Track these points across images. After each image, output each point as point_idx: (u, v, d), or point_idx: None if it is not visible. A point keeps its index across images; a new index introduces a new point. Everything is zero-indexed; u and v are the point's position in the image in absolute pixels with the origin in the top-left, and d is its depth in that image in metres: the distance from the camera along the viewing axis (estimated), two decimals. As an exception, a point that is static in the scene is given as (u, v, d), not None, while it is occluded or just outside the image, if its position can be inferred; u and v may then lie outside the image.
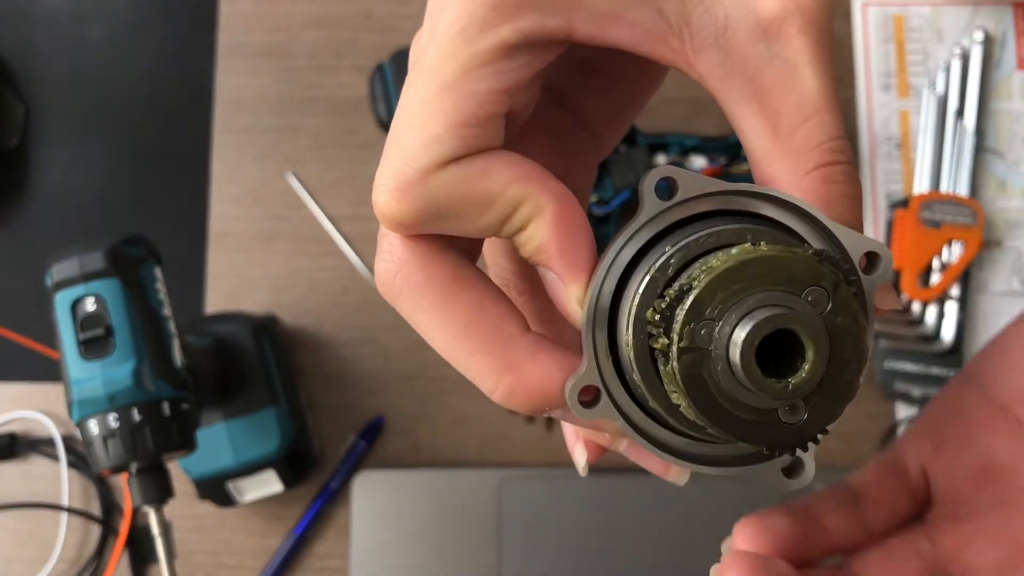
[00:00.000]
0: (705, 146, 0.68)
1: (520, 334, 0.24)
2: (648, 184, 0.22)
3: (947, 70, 0.73)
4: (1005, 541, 0.31)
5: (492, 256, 0.25)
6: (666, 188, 0.22)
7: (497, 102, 0.23)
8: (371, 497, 0.68)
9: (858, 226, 0.23)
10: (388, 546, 0.68)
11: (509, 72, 0.23)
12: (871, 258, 0.23)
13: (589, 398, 0.23)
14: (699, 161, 0.68)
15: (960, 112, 0.73)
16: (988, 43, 0.74)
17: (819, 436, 0.22)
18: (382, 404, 0.71)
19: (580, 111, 0.28)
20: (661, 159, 0.69)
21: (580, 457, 0.24)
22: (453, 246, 0.25)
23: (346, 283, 0.73)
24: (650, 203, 0.22)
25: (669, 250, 0.22)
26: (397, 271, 0.24)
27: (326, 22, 0.76)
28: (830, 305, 0.21)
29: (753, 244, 0.21)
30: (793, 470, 0.24)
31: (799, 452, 0.24)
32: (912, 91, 0.74)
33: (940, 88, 0.74)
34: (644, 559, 0.67)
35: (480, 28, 0.22)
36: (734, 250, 0.21)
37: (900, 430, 0.71)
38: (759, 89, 0.22)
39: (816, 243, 0.23)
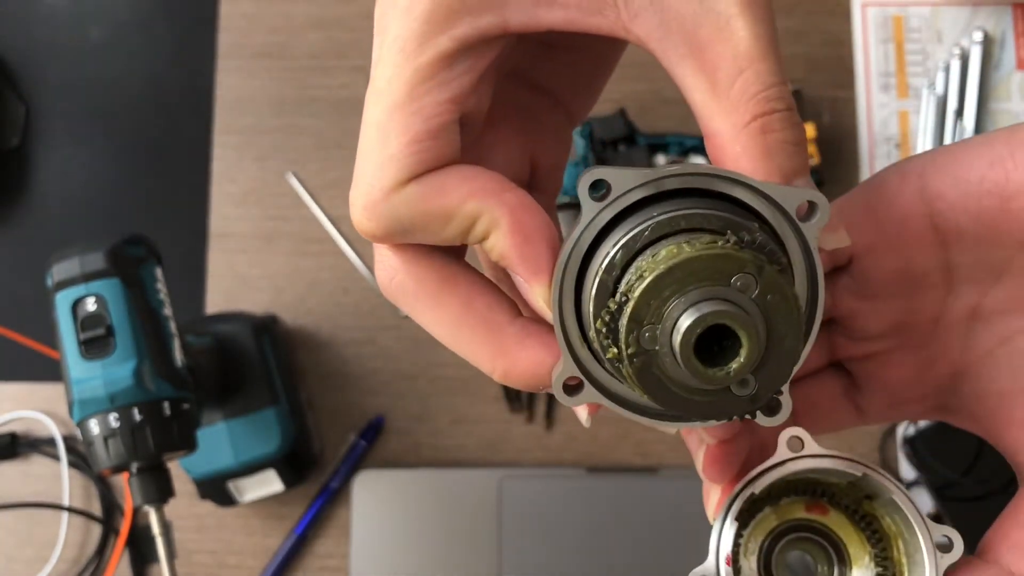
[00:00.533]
0: (704, 146, 0.69)
1: (508, 322, 0.25)
2: (582, 188, 0.24)
3: (946, 70, 0.73)
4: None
5: (480, 251, 0.26)
6: (600, 188, 0.24)
7: (445, 112, 0.24)
8: (371, 496, 0.68)
9: (802, 171, 0.24)
10: (388, 545, 0.68)
11: (453, 80, 0.24)
12: (810, 206, 0.24)
13: (573, 384, 0.25)
14: (699, 161, 0.68)
15: (959, 112, 0.73)
16: (987, 43, 0.74)
17: (777, 395, 0.24)
18: (382, 404, 0.71)
19: (547, 87, 0.29)
20: (661, 159, 0.69)
21: (582, 412, 0.25)
22: (437, 249, 0.26)
23: (346, 283, 0.73)
24: (587, 206, 0.24)
25: (611, 250, 0.24)
26: (391, 278, 0.26)
27: (326, 23, 0.76)
28: (758, 288, 0.22)
29: (679, 244, 0.23)
30: (772, 409, 0.25)
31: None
32: (911, 91, 0.75)
33: (939, 88, 0.74)
34: (644, 558, 0.67)
35: (418, 43, 0.23)
36: (662, 252, 0.23)
37: (900, 430, 0.71)
38: (697, 46, 0.23)
39: (756, 202, 0.24)
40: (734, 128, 0.23)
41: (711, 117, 0.23)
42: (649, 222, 0.23)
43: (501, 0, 0.23)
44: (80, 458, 0.70)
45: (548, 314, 0.24)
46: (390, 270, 0.26)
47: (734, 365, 0.22)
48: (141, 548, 0.69)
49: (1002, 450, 0.27)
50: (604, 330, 0.23)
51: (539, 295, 0.24)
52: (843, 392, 0.31)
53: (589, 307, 0.24)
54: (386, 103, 0.24)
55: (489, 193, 0.24)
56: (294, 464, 0.65)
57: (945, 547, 0.27)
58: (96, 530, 0.70)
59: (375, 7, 0.25)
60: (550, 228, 0.24)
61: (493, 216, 0.24)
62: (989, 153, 0.26)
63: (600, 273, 0.24)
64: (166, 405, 0.49)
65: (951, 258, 0.28)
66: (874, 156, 0.74)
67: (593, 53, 0.29)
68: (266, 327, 0.66)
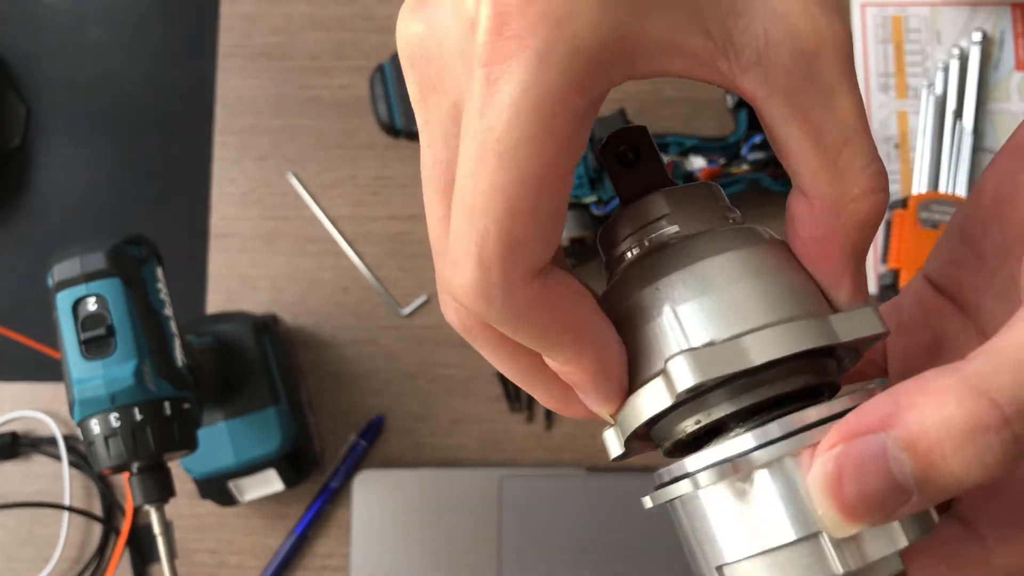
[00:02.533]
0: (704, 146, 0.69)
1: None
2: (675, 381, 0.22)
3: (945, 71, 0.74)
4: None
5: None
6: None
7: (569, 184, 0.22)
8: (372, 496, 0.68)
9: (867, 252, 0.24)
10: (389, 545, 0.68)
11: (581, 145, 0.21)
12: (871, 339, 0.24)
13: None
14: (698, 161, 0.68)
15: (959, 112, 0.73)
16: (986, 44, 0.74)
17: None
18: (382, 404, 0.71)
19: None
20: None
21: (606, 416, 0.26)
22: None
23: (347, 283, 0.73)
24: (668, 394, 0.23)
25: (689, 427, 0.24)
26: (469, 329, 0.25)
27: (327, 23, 0.76)
28: None
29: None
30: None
31: None
32: (910, 91, 0.75)
33: (939, 89, 0.74)
34: (644, 558, 0.67)
35: (557, 103, 0.20)
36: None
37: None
38: (801, 109, 0.22)
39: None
40: (842, 197, 0.22)
41: (818, 182, 0.23)
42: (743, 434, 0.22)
43: (633, 49, 0.21)
44: (81, 458, 0.70)
45: (604, 415, 0.25)
46: (466, 324, 0.25)
47: None
48: (142, 548, 0.69)
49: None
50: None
51: (602, 412, 0.25)
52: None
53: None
54: (515, 170, 0.20)
55: (587, 327, 0.23)
56: (295, 464, 0.65)
57: None
58: (97, 530, 0.70)
59: (447, 22, 0.22)
60: (624, 363, 0.24)
61: (584, 348, 0.23)
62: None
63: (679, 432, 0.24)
64: (167, 405, 0.50)
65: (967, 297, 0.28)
66: (873, 156, 0.74)
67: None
68: (267, 327, 0.67)
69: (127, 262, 0.51)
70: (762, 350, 0.21)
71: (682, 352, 0.21)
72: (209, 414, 0.63)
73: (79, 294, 0.50)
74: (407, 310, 0.72)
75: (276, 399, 0.64)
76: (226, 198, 0.74)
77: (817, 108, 0.22)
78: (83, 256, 0.50)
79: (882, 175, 0.22)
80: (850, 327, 0.23)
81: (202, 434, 0.56)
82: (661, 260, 0.23)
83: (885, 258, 0.72)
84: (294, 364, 0.70)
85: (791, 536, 0.21)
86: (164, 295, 0.53)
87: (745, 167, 0.67)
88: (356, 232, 0.73)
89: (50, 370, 0.72)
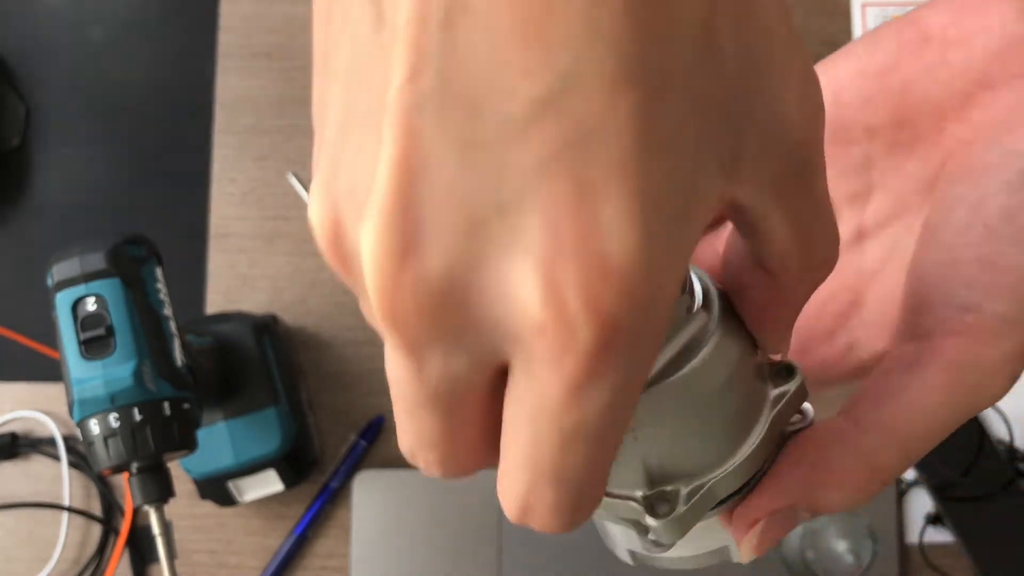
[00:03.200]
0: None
1: None
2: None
3: (946, 70, 0.74)
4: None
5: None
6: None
7: None
8: (371, 496, 0.68)
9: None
10: (389, 545, 0.68)
11: None
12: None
13: None
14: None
15: (959, 112, 0.73)
16: (987, 43, 0.74)
17: None
18: (382, 404, 0.71)
19: None
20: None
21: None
22: None
23: (346, 283, 0.73)
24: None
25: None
26: None
27: (326, 23, 0.76)
28: None
29: None
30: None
31: None
32: (911, 91, 0.75)
33: (939, 88, 0.74)
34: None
35: (644, 373, 0.18)
36: None
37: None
38: (784, 199, 0.21)
39: None
40: (805, 271, 0.22)
41: (787, 259, 0.21)
42: None
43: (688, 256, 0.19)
44: (80, 458, 0.70)
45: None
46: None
47: None
48: (141, 548, 0.69)
49: (902, 317, 0.26)
50: None
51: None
52: None
53: None
54: (603, 458, 0.19)
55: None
56: (294, 464, 0.65)
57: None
58: (96, 530, 0.70)
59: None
60: None
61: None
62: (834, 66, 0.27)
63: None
64: (166, 405, 0.49)
65: None
66: (874, 156, 0.74)
67: None
68: (266, 327, 0.66)
69: (127, 262, 0.51)
70: (723, 491, 0.23)
71: (656, 522, 0.22)
72: (209, 414, 0.63)
73: (79, 294, 0.49)
74: (407, 310, 0.72)
75: (276, 399, 0.64)
76: (226, 198, 0.74)
77: (800, 197, 0.20)
78: (83, 256, 0.50)
79: (836, 241, 0.22)
80: (784, 414, 0.24)
81: (202, 434, 0.56)
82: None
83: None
84: (294, 364, 0.70)
85: (710, 547, 0.25)
86: (164, 295, 0.53)
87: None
88: (356, 232, 0.73)
89: (50, 370, 0.72)
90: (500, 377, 0.17)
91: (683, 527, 0.22)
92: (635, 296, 0.15)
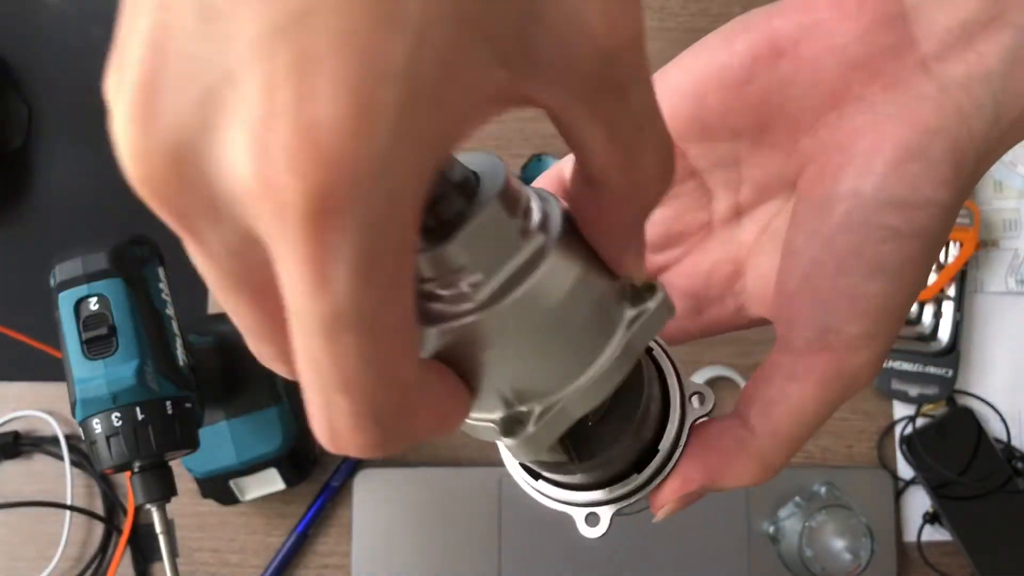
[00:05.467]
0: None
1: None
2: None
3: (944, 71, 0.74)
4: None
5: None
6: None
7: (413, 302, 0.21)
8: (372, 495, 0.69)
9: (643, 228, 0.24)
10: (389, 543, 0.68)
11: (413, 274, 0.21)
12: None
13: None
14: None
15: (957, 113, 0.73)
16: (985, 44, 0.74)
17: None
18: (383, 403, 0.71)
19: None
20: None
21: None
22: None
23: (347, 283, 0.73)
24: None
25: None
26: None
27: (327, 24, 0.76)
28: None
29: None
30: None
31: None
32: (909, 92, 0.75)
33: (937, 89, 0.74)
34: (642, 557, 0.68)
35: (399, 255, 0.18)
36: None
37: (897, 429, 0.71)
38: (596, 109, 0.21)
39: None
40: (632, 187, 0.22)
41: (606, 173, 0.22)
42: None
43: (447, 145, 0.19)
44: (83, 457, 0.70)
45: None
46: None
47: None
48: (143, 546, 0.69)
49: (777, 327, 0.29)
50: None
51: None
52: None
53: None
54: (380, 339, 0.18)
55: (458, 397, 0.24)
56: (296, 463, 0.65)
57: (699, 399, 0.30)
58: (98, 529, 0.70)
59: None
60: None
61: (462, 414, 0.24)
62: (709, 47, 0.29)
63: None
64: (168, 404, 0.50)
65: (696, 164, 0.30)
66: (872, 157, 0.74)
67: None
68: (267, 327, 0.67)
69: (129, 262, 0.51)
70: (577, 410, 0.24)
71: (511, 440, 0.24)
72: (211, 413, 0.63)
73: (81, 294, 0.50)
74: (407, 310, 0.72)
75: (277, 398, 0.64)
76: (227, 198, 0.74)
77: (612, 103, 0.20)
78: (85, 256, 0.50)
79: (668, 162, 0.22)
80: (643, 334, 0.24)
81: (204, 433, 0.57)
82: (475, 327, 0.22)
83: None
84: (295, 364, 0.70)
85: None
86: (166, 295, 0.53)
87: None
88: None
89: (52, 370, 0.72)
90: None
91: (537, 445, 0.23)
92: (346, 164, 0.15)
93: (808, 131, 0.28)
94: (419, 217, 0.17)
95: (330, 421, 0.19)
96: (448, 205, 0.21)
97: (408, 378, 0.19)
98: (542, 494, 0.32)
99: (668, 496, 0.30)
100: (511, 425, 0.23)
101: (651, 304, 0.24)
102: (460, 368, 0.22)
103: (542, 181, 0.32)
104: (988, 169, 0.27)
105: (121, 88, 0.16)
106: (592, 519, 0.31)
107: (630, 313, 0.24)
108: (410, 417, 0.20)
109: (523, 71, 0.18)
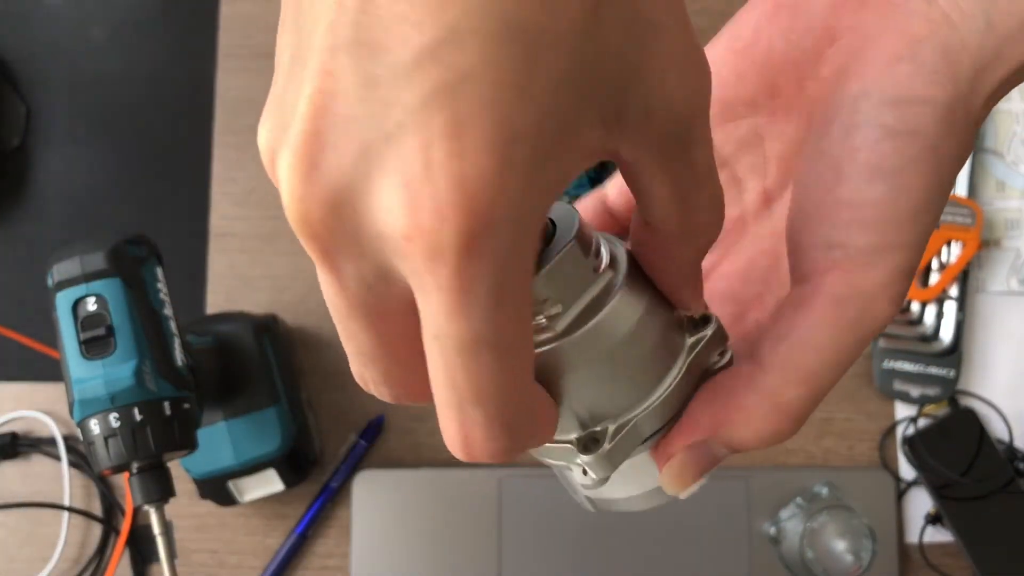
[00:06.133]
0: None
1: None
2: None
3: (946, 70, 0.74)
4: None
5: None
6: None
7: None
8: (372, 496, 0.68)
9: (699, 268, 0.27)
10: (389, 545, 0.68)
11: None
12: None
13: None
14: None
15: (959, 112, 0.73)
16: (987, 43, 0.74)
17: None
18: (382, 404, 0.71)
19: None
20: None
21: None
22: None
23: (346, 283, 0.73)
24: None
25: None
26: None
27: (327, 23, 0.76)
28: None
29: None
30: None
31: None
32: (911, 91, 0.75)
33: (939, 88, 0.74)
34: (643, 558, 0.67)
35: (523, 286, 0.21)
36: None
37: (899, 430, 0.71)
38: (666, 163, 0.23)
39: None
40: (686, 233, 0.25)
41: (667, 219, 0.24)
42: None
43: (555, 192, 0.21)
44: (81, 458, 0.70)
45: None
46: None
47: None
48: (141, 548, 0.69)
49: (789, 263, 0.28)
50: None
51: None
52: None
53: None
54: (512, 363, 0.22)
55: (551, 415, 0.26)
56: (295, 464, 0.65)
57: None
58: (97, 530, 0.70)
59: None
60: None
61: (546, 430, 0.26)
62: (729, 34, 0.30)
63: None
64: (167, 405, 0.50)
65: (722, 151, 0.31)
66: (874, 156, 0.74)
67: None
68: (267, 327, 0.67)
69: (127, 262, 0.51)
70: (648, 427, 0.26)
71: (588, 457, 0.26)
72: (209, 414, 0.63)
73: (79, 294, 0.50)
74: (407, 310, 0.72)
75: (276, 399, 0.64)
76: (226, 198, 0.74)
77: (679, 161, 0.23)
78: (83, 256, 0.50)
79: (720, 209, 0.25)
80: (702, 357, 0.27)
81: (202, 434, 0.56)
82: (555, 354, 0.25)
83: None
84: (294, 364, 0.70)
85: (646, 488, 0.29)
86: (164, 295, 0.53)
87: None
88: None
89: (50, 370, 0.72)
90: (414, 300, 0.20)
91: (612, 461, 0.26)
92: (488, 210, 0.18)
93: (811, 75, 0.28)
94: (536, 251, 0.21)
95: (465, 433, 0.22)
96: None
97: (531, 390, 0.22)
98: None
99: (676, 443, 0.27)
100: (588, 443, 0.25)
101: (708, 331, 0.27)
102: None
103: (582, 205, 0.33)
104: (993, 86, 0.26)
105: (285, 139, 0.19)
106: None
107: (690, 340, 0.27)
108: (532, 424, 0.23)
109: (615, 131, 0.21)
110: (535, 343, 0.25)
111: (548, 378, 0.25)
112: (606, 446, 0.25)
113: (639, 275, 0.26)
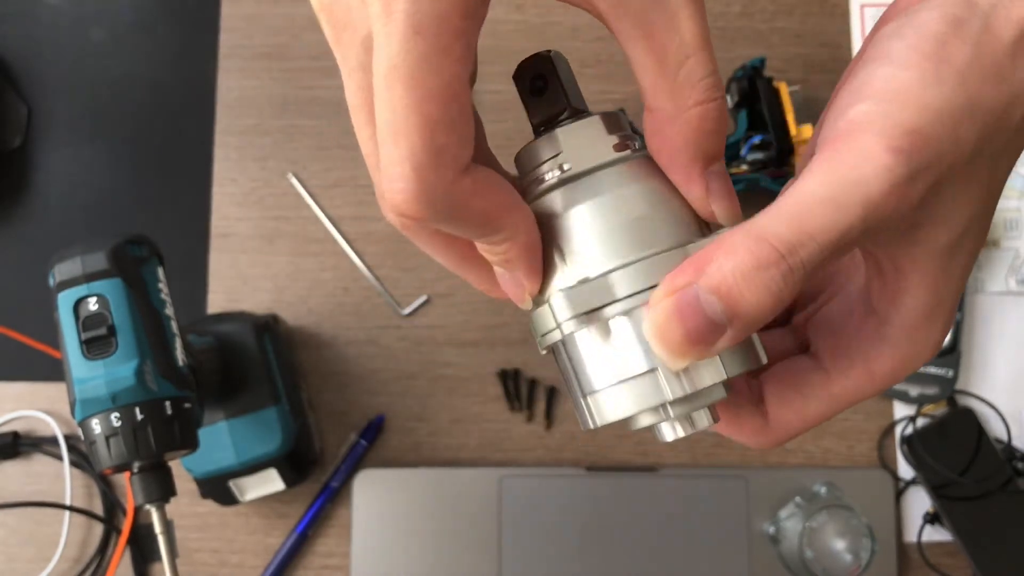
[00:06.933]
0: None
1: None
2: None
3: (945, 71, 0.74)
4: None
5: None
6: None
7: (469, 88, 0.25)
8: (372, 495, 0.69)
9: (720, 156, 0.28)
10: (389, 544, 0.68)
11: (470, 57, 0.25)
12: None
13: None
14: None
15: (958, 113, 0.73)
16: (986, 44, 0.74)
17: None
18: (383, 403, 0.71)
19: None
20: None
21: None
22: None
23: (347, 283, 0.73)
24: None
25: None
26: (404, 225, 0.29)
27: (327, 23, 0.76)
28: None
29: None
30: None
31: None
32: (910, 92, 0.75)
33: (938, 89, 0.74)
34: (643, 557, 0.68)
35: (442, 24, 0.24)
36: None
37: (898, 429, 0.71)
38: (647, 30, 0.26)
39: None
40: (677, 109, 0.27)
41: (656, 95, 0.27)
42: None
43: None
44: (82, 457, 0.70)
45: (525, 301, 0.29)
46: (407, 224, 0.28)
47: None
48: (143, 547, 0.69)
49: None
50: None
51: (528, 293, 0.29)
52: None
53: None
54: (421, 89, 0.24)
55: (514, 207, 0.27)
56: (295, 463, 0.65)
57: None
58: (98, 529, 0.70)
59: None
60: (539, 246, 0.29)
61: (516, 230, 0.27)
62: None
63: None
64: (168, 404, 0.50)
65: None
66: (873, 156, 0.74)
67: None
68: (267, 327, 0.67)
69: (128, 262, 0.51)
70: (624, 286, 0.27)
71: (560, 290, 0.28)
72: (210, 413, 0.63)
73: (80, 294, 0.50)
74: (407, 310, 0.72)
75: (277, 399, 0.64)
76: (227, 198, 0.74)
77: (661, 30, 0.25)
78: (84, 256, 0.50)
79: (715, 87, 0.26)
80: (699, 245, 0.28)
81: (203, 433, 0.56)
82: (552, 199, 0.29)
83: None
84: (294, 364, 0.70)
85: (637, 370, 0.28)
86: (165, 295, 0.53)
87: (744, 167, 0.68)
88: (356, 232, 0.74)
89: (51, 370, 0.72)
90: None
91: (593, 296, 0.27)
92: None
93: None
94: (463, 13, 0.24)
95: (384, 171, 0.25)
96: (562, 117, 0.29)
97: (449, 147, 0.24)
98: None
99: (660, 289, 0.26)
100: (574, 289, 0.28)
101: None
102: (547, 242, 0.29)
103: None
104: (1008, 23, 0.26)
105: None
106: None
107: (698, 241, 0.28)
108: (448, 173, 0.25)
109: None
110: (549, 186, 0.29)
111: (548, 224, 0.28)
112: (587, 286, 0.28)
113: (653, 164, 0.29)
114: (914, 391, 0.70)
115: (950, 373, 0.70)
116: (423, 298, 0.72)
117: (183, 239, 0.74)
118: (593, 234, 0.28)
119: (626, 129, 0.30)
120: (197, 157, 0.75)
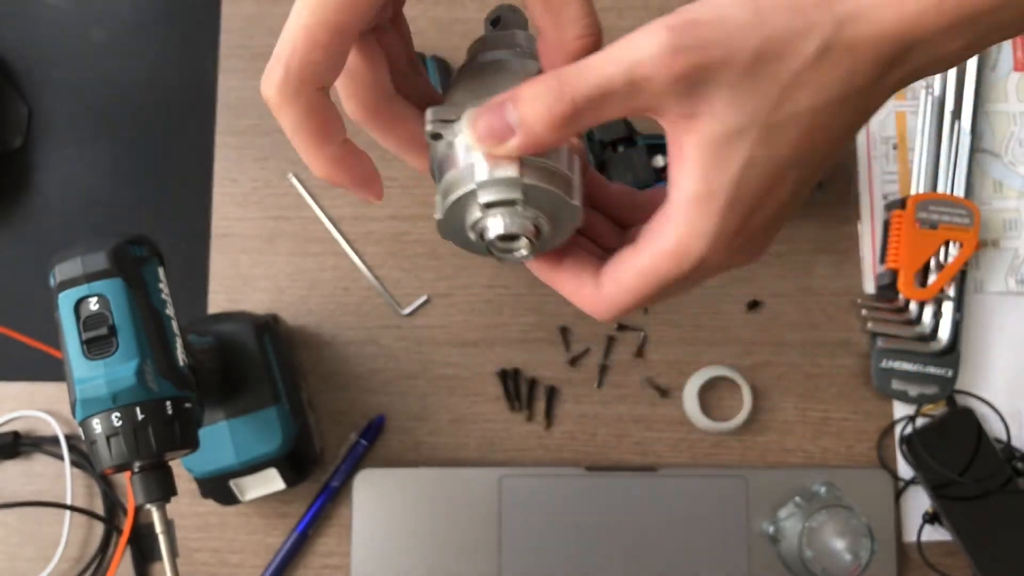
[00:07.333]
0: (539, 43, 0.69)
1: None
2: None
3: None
4: None
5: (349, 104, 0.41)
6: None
7: (352, 37, 0.38)
8: (372, 495, 0.69)
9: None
10: (389, 544, 0.68)
11: (363, 13, 0.37)
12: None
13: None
14: (661, 160, 0.68)
15: (957, 113, 0.73)
16: (985, 44, 0.74)
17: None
18: (383, 403, 0.72)
19: None
20: (660, 160, 0.69)
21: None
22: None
23: (347, 283, 0.73)
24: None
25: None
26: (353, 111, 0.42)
27: (327, 24, 0.76)
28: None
29: None
30: None
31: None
32: (909, 92, 0.75)
33: (937, 90, 0.74)
34: (643, 557, 0.68)
35: None
36: None
37: (897, 429, 0.71)
38: None
39: None
40: (563, 41, 0.36)
41: (546, 29, 0.36)
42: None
43: None
44: (83, 457, 0.70)
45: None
46: (274, 103, 0.39)
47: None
48: (143, 547, 0.69)
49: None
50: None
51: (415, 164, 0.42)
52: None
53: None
54: (314, 15, 0.37)
55: (326, 135, 0.41)
56: (295, 463, 0.65)
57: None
58: (98, 529, 0.70)
59: None
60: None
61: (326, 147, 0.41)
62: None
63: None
64: (168, 404, 0.50)
65: None
66: (871, 156, 0.74)
67: None
68: (267, 327, 0.67)
69: (129, 262, 0.51)
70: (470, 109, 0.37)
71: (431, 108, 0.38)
72: (210, 413, 0.63)
73: (81, 294, 0.50)
74: (407, 310, 0.72)
75: (277, 398, 0.64)
76: (227, 198, 0.74)
77: None
78: (85, 256, 0.50)
79: (592, 26, 0.35)
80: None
81: (203, 433, 0.57)
82: (468, 70, 0.40)
83: (883, 258, 0.72)
84: (295, 364, 0.70)
85: (463, 163, 0.36)
86: (166, 295, 0.53)
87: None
88: (357, 232, 0.74)
89: (52, 370, 0.72)
90: None
91: (445, 113, 0.37)
92: None
93: None
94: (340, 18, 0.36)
95: (267, 65, 0.37)
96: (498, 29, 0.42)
97: (314, 66, 0.37)
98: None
99: (490, 103, 0.35)
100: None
101: None
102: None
103: None
104: None
105: None
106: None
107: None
108: (309, 71, 0.37)
109: None
110: (469, 60, 0.40)
111: (466, 80, 0.39)
112: (447, 107, 0.37)
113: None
114: (913, 391, 0.70)
115: (949, 373, 0.70)
116: (423, 298, 0.72)
117: (183, 239, 0.74)
118: (471, 86, 0.38)
119: (524, 43, 0.40)
120: (197, 157, 0.75)
